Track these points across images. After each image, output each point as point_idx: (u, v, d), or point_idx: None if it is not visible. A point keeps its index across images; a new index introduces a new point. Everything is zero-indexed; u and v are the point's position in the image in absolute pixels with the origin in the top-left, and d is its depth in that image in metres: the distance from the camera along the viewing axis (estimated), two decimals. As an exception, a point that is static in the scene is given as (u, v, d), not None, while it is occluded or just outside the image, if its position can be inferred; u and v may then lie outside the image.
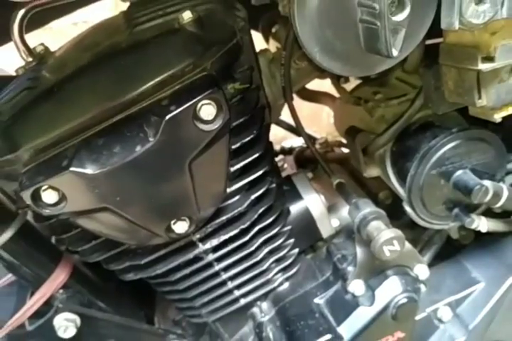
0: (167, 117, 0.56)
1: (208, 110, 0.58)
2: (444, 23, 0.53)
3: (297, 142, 1.28)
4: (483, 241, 0.90)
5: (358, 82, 0.96)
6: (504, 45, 0.61)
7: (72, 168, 0.56)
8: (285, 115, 1.29)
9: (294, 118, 0.87)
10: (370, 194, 0.98)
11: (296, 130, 1.42)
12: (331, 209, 0.85)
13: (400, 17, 0.46)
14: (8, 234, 0.79)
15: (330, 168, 0.87)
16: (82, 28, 0.82)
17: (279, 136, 1.64)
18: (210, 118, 0.59)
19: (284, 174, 0.94)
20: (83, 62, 0.65)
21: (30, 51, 0.78)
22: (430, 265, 0.89)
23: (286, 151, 1.25)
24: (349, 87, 0.99)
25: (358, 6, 0.49)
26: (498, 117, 0.67)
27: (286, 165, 1.12)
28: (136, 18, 0.69)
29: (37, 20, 0.89)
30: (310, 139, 1.32)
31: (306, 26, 0.50)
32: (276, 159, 1.22)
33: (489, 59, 0.62)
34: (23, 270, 0.84)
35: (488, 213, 0.82)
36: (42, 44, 0.80)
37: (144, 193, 0.61)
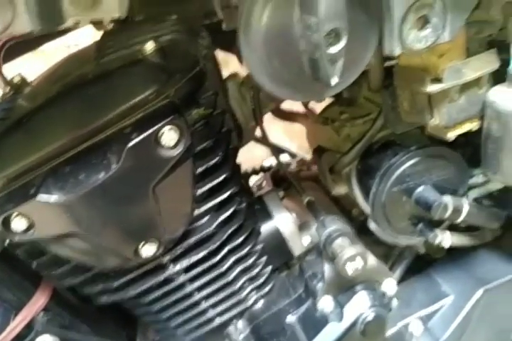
0: (129, 145, 0.59)
1: (169, 136, 0.61)
2: (386, 50, 0.57)
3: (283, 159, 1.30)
4: (453, 255, 0.92)
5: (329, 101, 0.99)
6: (451, 67, 0.64)
7: (39, 196, 0.59)
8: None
9: (265, 140, 0.90)
10: (344, 210, 1.00)
11: (278, 148, 1.46)
12: (303, 226, 0.87)
13: (337, 48, 0.49)
14: (-12, 259, 0.81)
15: (301, 186, 0.90)
16: (74, 50, 0.85)
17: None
18: (172, 144, 0.62)
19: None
20: (53, 92, 0.68)
21: (7, 82, 0.82)
22: (402, 279, 0.92)
23: (265, 170, 1.27)
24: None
25: (300, 37, 0.52)
26: (451, 135, 0.70)
27: (264, 184, 1.15)
28: (104, 48, 0.73)
29: (23, 46, 0.92)
30: (291, 156, 1.36)
31: (253, 56, 0.53)
32: (257, 177, 1.24)
33: (438, 80, 0.65)
34: (4, 293, 0.85)
35: (457, 227, 0.84)
36: (19, 74, 0.83)
37: (110, 218, 0.63)
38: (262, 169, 1.25)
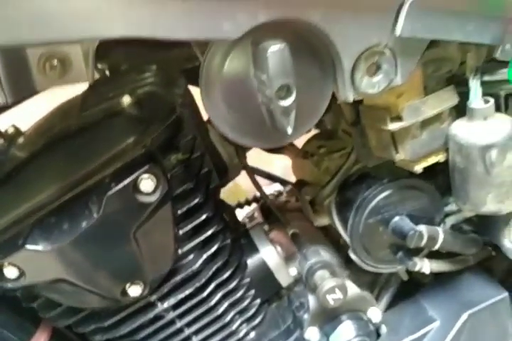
0: (108, 194, 0.63)
1: (147, 183, 0.65)
2: (341, 96, 0.60)
3: (271, 190, 1.34)
4: (440, 279, 0.94)
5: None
6: (410, 106, 0.68)
7: (27, 246, 0.63)
8: (261, 163, 1.36)
9: (249, 175, 0.94)
10: (333, 240, 1.02)
11: (273, 177, 1.49)
12: (290, 258, 0.90)
13: (288, 101, 0.53)
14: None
15: (286, 218, 0.93)
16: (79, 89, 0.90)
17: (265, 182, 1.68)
18: (149, 190, 0.66)
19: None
20: (39, 145, 0.73)
21: (0, 134, 0.87)
22: (390, 305, 0.93)
23: (258, 200, 1.31)
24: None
25: (257, 91, 0.56)
26: (418, 168, 0.73)
27: (256, 215, 1.18)
28: (87, 101, 0.78)
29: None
30: (283, 185, 1.39)
31: (214, 108, 0.57)
32: (250, 208, 1.27)
33: (399, 118, 0.68)
34: (5, 334, 0.89)
35: (440, 253, 0.86)
36: (13, 125, 0.88)
37: (95, 263, 0.67)
38: (255, 199, 1.28)
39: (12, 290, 0.72)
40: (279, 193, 1.26)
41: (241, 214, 1.22)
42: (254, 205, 1.29)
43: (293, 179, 1.46)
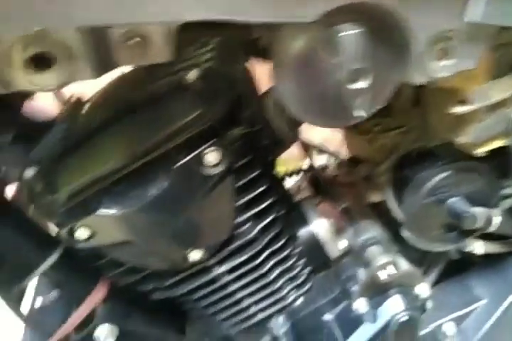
0: (176, 165, 0.67)
1: (212, 156, 0.68)
2: (410, 80, 0.60)
3: (321, 161, 1.34)
4: (489, 259, 0.94)
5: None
6: (478, 90, 0.67)
7: (100, 210, 0.67)
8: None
9: (304, 148, 0.95)
10: (382, 214, 1.03)
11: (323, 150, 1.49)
12: (339, 231, 0.92)
13: (361, 85, 0.53)
14: (55, 256, 0.91)
15: (337, 192, 0.95)
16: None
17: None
18: (214, 163, 0.68)
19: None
20: (107, 115, 0.76)
21: (64, 102, 0.91)
22: (437, 281, 0.95)
23: (305, 170, 1.32)
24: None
25: (330, 73, 0.57)
26: (479, 152, 0.73)
27: (303, 186, 1.19)
28: (150, 74, 0.80)
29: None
30: (334, 157, 1.40)
31: (284, 86, 0.58)
32: (296, 178, 1.29)
33: (465, 102, 0.67)
34: (68, 286, 0.96)
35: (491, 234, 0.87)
36: (74, 94, 0.91)
37: (161, 228, 0.71)
38: (298, 171, 1.29)
39: (81, 250, 0.77)
40: (325, 166, 1.27)
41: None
42: (294, 177, 1.30)
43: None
